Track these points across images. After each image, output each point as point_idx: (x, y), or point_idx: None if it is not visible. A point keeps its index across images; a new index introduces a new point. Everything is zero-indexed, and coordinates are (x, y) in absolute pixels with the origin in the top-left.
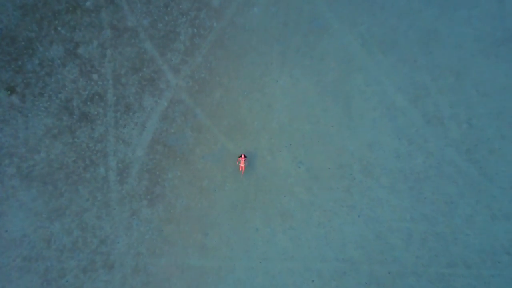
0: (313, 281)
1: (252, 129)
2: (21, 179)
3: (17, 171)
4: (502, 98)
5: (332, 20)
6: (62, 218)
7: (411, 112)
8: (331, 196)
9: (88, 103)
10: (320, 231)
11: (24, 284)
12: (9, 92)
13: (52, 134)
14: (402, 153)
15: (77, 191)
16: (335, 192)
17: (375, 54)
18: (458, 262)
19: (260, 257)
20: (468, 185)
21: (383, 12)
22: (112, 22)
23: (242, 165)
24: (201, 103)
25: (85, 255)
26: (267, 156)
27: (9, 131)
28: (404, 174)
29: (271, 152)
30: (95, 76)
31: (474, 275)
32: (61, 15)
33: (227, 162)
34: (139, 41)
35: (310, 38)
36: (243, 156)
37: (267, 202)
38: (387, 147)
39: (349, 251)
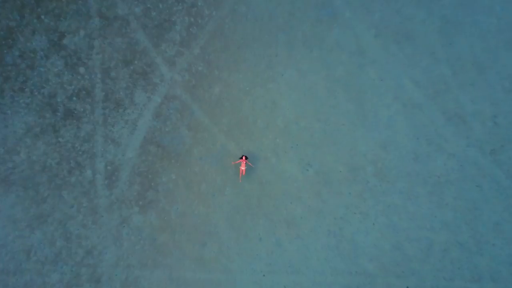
0: None
1: (254, 128)
2: None
3: None
4: None
5: (343, 8)
6: (44, 227)
7: (430, 109)
8: (342, 202)
9: (74, 99)
10: (330, 241)
11: None
12: None
13: (33, 133)
14: (421, 154)
15: (61, 196)
16: (347, 197)
17: (390, 46)
18: (484, 275)
19: (264, 270)
20: (494, 190)
21: None
22: (101, 10)
23: (242, 167)
24: (198, 99)
25: (69, 268)
26: (272, 157)
27: None
28: (422, 177)
29: (276, 153)
30: (81, 70)
31: None
32: (45, 2)
33: (227, 164)
34: (131, 31)
35: (319, 28)
36: (244, 157)
37: (272, 208)
38: (403, 148)
39: (363, 263)
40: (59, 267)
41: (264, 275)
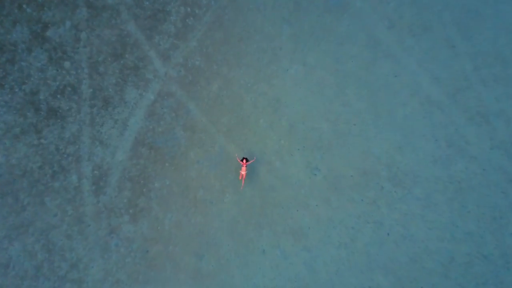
0: None
1: (257, 128)
2: None
3: None
4: None
5: None
6: (23, 238)
7: (449, 108)
8: (354, 210)
9: (58, 96)
10: (341, 253)
11: None
12: None
13: (13, 134)
14: (440, 157)
15: (43, 204)
16: (359, 205)
17: (405, 38)
18: None
19: (268, 285)
20: None
21: None
22: None
23: (243, 172)
24: (195, 96)
25: (51, 283)
26: (276, 161)
27: None
28: (442, 183)
29: (280, 156)
30: (67, 64)
31: None
32: None
33: (227, 168)
34: (121, 21)
35: (327, 19)
36: (244, 160)
37: (276, 217)
38: (421, 150)
39: (377, 278)
40: (40, 282)
41: None
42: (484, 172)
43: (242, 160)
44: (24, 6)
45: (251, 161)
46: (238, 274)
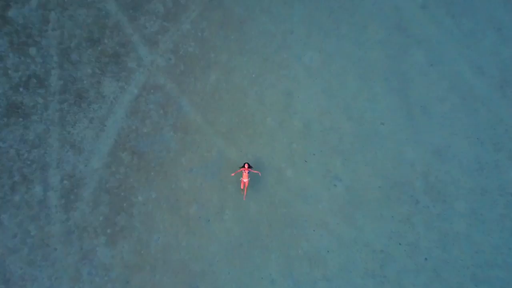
0: None
1: (263, 128)
2: None
3: None
4: None
5: None
6: None
7: (496, 104)
8: (383, 229)
9: (21, 89)
10: (367, 284)
11: None
12: None
13: None
14: (487, 163)
15: (0, 222)
16: (389, 223)
17: (442, 20)
18: None
19: None
20: None
21: None
22: None
23: (244, 179)
24: (188, 90)
25: None
26: (286, 168)
27: None
28: (490, 195)
29: (292, 162)
30: (32, 50)
31: None
32: None
33: (227, 177)
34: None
35: None
36: (246, 166)
37: (287, 238)
38: (463, 155)
39: None
40: None
41: None
42: None
43: (243, 166)
44: None
45: (255, 171)
46: None
